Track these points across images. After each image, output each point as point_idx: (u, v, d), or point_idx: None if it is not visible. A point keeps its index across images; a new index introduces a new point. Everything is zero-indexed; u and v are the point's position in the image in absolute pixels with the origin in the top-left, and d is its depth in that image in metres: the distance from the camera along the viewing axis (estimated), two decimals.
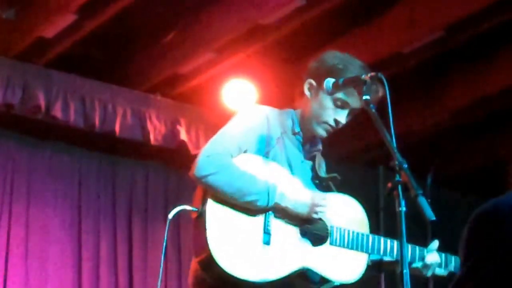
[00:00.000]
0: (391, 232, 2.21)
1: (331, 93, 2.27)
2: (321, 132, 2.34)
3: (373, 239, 2.30)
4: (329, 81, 2.24)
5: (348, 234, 2.27)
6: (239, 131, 2.25)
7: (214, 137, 2.25)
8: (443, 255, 2.41)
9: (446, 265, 2.41)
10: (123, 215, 4.74)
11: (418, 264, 2.37)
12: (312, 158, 2.41)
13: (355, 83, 2.16)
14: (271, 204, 2.16)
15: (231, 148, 2.20)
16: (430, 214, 1.88)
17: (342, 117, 2.31)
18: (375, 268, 2.41)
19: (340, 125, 2.33)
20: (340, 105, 2.29)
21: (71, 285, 4.49)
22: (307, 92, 2.33)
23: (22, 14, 4.05)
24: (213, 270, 2.12)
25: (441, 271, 2.42)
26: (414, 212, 2.33)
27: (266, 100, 2.53)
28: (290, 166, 2.29)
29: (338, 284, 2.27)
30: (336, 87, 2.24)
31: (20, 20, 4.08)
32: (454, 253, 2.46)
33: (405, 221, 1.82)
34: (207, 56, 4.31)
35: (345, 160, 5.29)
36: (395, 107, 2.05)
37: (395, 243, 2.30)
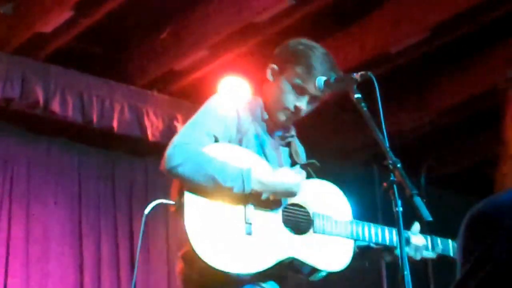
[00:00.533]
0: None
1: (322, 91, 2.24)
2: (282, 117, 2.29)
3: (357, 225, 2.26)
4: (321, 79, 2.23)
5: (331, 220, 2.22)
6: (207, 120, 2.19)
7: (182, 128, 2.21)
8: (428, 237, 2.37)
9: (433, 247, 2.37)
10: (123, 211, 4.72)
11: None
12: (288, 145, 2.37)
13: (346, 82, 2.13)
14: (247, 189, 2.08)
15: (200, 137, 2.13)
16: (426, 214, 1.87)
17: (302, 103, 2.27)
18: (361, 256, 2.36)
19: (301, 113, 2.28)
20: (299, 91, 2.26)
21: (73, 284, 4.45)
22: (269, 77, 2.30)
23: (19, 9, 4.05)
24: (196, 265, 2.05)
25: (429, 254, 2.37)
26: (411, 212, 2.30)
27: (254, 92, 2.57)
28: (264, 154, 2.24)
29: (326, 273, 2.22)
30: (327, 85, 2.23)
31: (17, 15, 4.07)
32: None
33: (403, 221, 1.80)
34: (202, 53, 4.34)
35: (340, 158, 5.29)
36: (386, 107, 2.03)
37: (379, 228, 2.27)
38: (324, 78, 2.22)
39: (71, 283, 4.44)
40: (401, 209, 1.84)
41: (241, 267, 2.06)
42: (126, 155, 4.83)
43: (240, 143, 2.21)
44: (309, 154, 2.44)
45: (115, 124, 4.38)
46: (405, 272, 1.72)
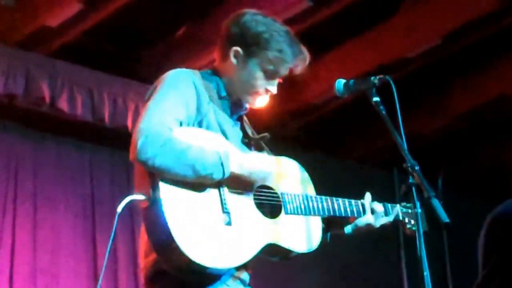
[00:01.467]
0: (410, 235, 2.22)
1: (342, 94, 2.25)
2: (251, 100, 2.24)
3: (325, 201, 2.25)
4: (340, 82, 2.23)
5: (300, 199, 2.20)
6: (173, 102, 2.06)
7: (148, 112, 2.04)
8: (382, 203, 2.41)
9: (387, 213, 2.40)
10: (139, 213, 4.57)
11: (365, 218, 2.34)
12: (240, 120, 2.30)
13: (365, 85, 2.16)
14: (227, 174, 2.03)
15: (169, 121, 2.00)
16: (444, 216, 1.88)
17: (273, 87, 2.23)
18: (324, 230, 2.34)
19: (342, 84, 2.23)
20: (271, 76, 2.21)
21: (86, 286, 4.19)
22: (233, 60, 2.21)
23: (22, 1, 3.88)
24: (178, 261, 1.96)
25: (386, 219, 2.40)
26: (429, 215, 2.32)
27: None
28: (223, 132, 2.16)
29: (298, 254, 2.19)
30: (346, 87, 2.23)
31: (21, 7, 3.91)
32: (466, 257, 2.45)
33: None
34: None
35: (361, 161, 5.30)
36: (404, 111, 2.05)
37: (342, 201, 2.29)
38: (343, 81, 2.23)
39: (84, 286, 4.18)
40: (420, 210, 1.86)
41: (225, 262, 2.01)
42: None
43: (200, 125, 2.12)
44: (328, 156, 2.44)
45: (129, 123, 4.16)
46: (425, 273, 1.74)
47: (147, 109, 2.06)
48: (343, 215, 2.30)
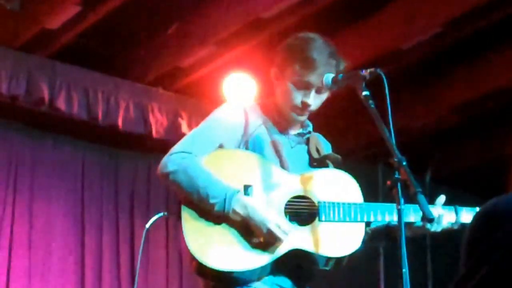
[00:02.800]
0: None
1: (330, 88, 2.25)
2: (295, 116, 2.29)
3: (366, 208, 2.22)
4: (328, 77, 2.22)
5: (338, 207, 2.20)
6: (211, 128, 2.23)
7: (185, 136, 2.25)
8: (452, 207, 2.34)
9: (457, 219, 2.33)
10: (126, 208, 4.72)
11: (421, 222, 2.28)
12: (307, 141, 2.36)
13: (354, 78, 2.13)
14: (227, 211, 2.10)
15: (200, 147, 2.17)
16: (429, 213, 1.87)
17: (309, 98, 2.25)
18: (376, 236, 2.35)
19: (312, 107, 2.26)
20: (302, 86, 2.24)
21: (75, 279, 4.47)
22: (274, 80, 2.32)
23: (26, 5, 4.05)
24: (207, 273, 2.10)
25: (450, 224, 2.33)
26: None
27: (266, 93, 2.51)
28: (278, 155, 2.24)
29: (336, 259, 2.21)
30: (335, 82, 2.22)
31: (24, 11, 4.06)
32: (451, 257, 2.44)
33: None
34: (208, 49, 4.31)
35: (344, 156, 5.26)
36: (395, 104, 2.03)
37: (392, 207, 2.21)
38: (332, 75, 2.20)
39: (73, 278, 4.46)
40: (403, 207, 1.85)
41: (247, 264, 2.08)
42: (129, 152, 4.82)
43: (246, 146, 2.22)
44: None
45: (120, 121, 4.37)
46: (404, 270, 1.73)
47: (187, 134, 2.27)
48: (382, 222, 2.26)
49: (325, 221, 2.18)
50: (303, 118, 2.32)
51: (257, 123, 2.25)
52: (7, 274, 4.19)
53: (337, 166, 2.35)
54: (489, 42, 4.55)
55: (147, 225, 2.18)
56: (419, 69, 4.72)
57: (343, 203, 2.20)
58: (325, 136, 2.49)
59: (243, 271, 2.09)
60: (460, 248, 1.32)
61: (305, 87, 2.25)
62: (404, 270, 1.72)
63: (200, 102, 4.71)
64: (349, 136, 5.18)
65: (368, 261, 4.74)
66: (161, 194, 4.81)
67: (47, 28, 4.05)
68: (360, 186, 2.28)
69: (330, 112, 5.13)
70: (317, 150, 2.36)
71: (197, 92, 4.67)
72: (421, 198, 1.87)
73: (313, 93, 2.25)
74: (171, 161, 2.14)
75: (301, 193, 2.21)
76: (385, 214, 2.23)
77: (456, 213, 2.33)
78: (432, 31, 4.26)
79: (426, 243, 4.44)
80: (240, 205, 2.10)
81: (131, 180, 4.79)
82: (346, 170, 2.32)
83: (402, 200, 1.86)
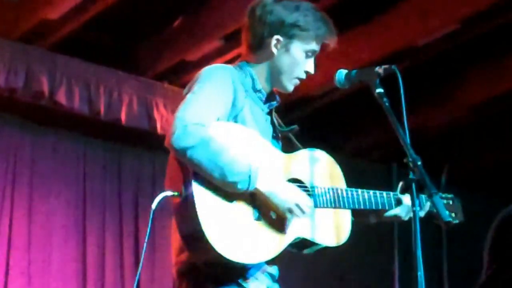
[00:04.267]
0: (405, 231, 2.13)
1: (343, 85, 2.20)
2: (290, 87, 2.26)
3: (355, 193, 2.22)
4: (342, 73, 2.18)
5: (331, 192, 2.18)
6: (210, 97, 2.09)
7: (187, 103, 2.07)
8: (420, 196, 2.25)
9: (421, 206, 2.29)
10: (129, 205, 4.66)
11: (396, 210, 2.31)
12: (270, 113, 2.31)
13: (368, 75, 2.08)
14: (251, 189, 2.03)
15: (207, 117, 2.05)
16: (444, 215, 1.82)
17: (311, 66, 2.24)
18: (366, 214, 2.33)
19: (343, 75, 2.19)
20: (310, 54, 2.24)
21: (76, 277, 4.40)
22: (273, 49, 2.21)
23: None
24: (208, 254, 2.01)
25: (420, 213, 2.23)
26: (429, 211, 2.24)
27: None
28: (258, 127, 2.19)
29: (325, 247, 2.19)
30: (348, 79, 2.18)
31: (23, 1, 3.96)
32: (471, 254, 2.39)
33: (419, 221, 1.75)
34: (215, 43, 4.26)
35: (358, 156, 5.21)
36: (409, 102, 1.98)
37: (372, 192, 2.25)
38: (344, 71, 2.17)
39: (74, 277, 4.39)
40: (418, 208, 1.80)
41: (253, 257, 2.03)
42: (133, 148, 4.74)
43: (235, 119, 2.14)
44: (325, 150, 2.38)
45: (123, 116, 4.29)
46: (419, 273, 1.68)
47: (186, 100, 2.08)
48: (374, 208, 2.26)
49: (320, 207, 2.16)
50: (291, 90, 2.28)
51: (242, 95, 2.17)
52: (6, 271, 4.13)
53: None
54: (505, 41, 4.47)
55: (153, 206, 2.09)
56: (434, 67, 4.66)
57: (336, 189, 2.19)
58: (338, 135, 2.43)
59: (250, 264, 2.04)
60: (484, 250, 1.28)
61: (312, 54, 2.24)
62: (419, 273, 1.67)
63: None
64: (362, 136, 5.12)
65: (382, 258, 4.67)
66: (166, 199, 4.76)
67: (47, 19, 3.95)
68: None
69: (343, 112, 5.10)
70: (279, 124, 2.32)
71: None
72: (437, 199, 1.83)
73: (312, 62, 2.25)
74: (190, 134, 1.98)
75: (293, 176, 2.17)
76: (379, 202, 2.25)
77: (420, 200, 2.24)
78: (447, 29, 4.20)
79: (442, 240, 4.39)
80: (263, 183, 2.04)
81: (135, 176, 4.71)
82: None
83: (417, 202, 1.81)
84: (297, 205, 2.07)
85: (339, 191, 2.19)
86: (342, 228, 2.21)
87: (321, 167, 2.22)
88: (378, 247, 4.64)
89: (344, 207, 2.20)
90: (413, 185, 1.83)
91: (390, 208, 2.30)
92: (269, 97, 2.27)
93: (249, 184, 2.02)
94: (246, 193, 2.05)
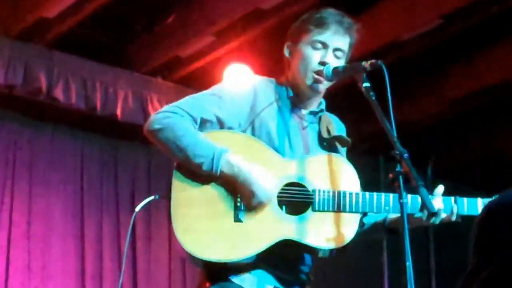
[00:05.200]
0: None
1: (331, 79, 2.23)
2: (310, 82, 2.22)
3: (361, 196, 2.14)
4: (329, 67, 2.20)
5: (331, 196, 2.13)
6: (210, 99, 2.16)
7: (182, 98, 2.19)
8: (450, 198, 2.23)
9: (453, 210, 2.21)
10: (126, 199, 4.72)
11: (421, 214, 2.18)
12: (318, 121, 2.31)
13: (355, 70, 2.11)
14: (215, 169, 2.05)
15: (192, 110, 2.12)
16: (431, 206, 1.86)
17: (328, 56, 2.21)
18: (378, 228, 2.30)
19: (331, 69, 2.18)
20: (319, 46, 2.23)
21: (74, 271, 4.46)
22: (287, 55, 2.29)
23: None
24: (188, 255, 2.07)
25: (451, 217, 2.22)
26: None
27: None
28: (287, 134, 2.20)
29: (328, 250, 2.15)
30: (335, 73, 2.20)
31: (21, 0, 4.03)
32: (454, 249, 2.41)
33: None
34: (207, 39, 4.30)
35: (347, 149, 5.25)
36: (396, 96, 2.01)
37: (391, 196, 2.14)
38: (332, 66, 2.19)
39: (72, 270, 4.46)
40: (406, 200, 1.83)
41: (231, 254, 2.05)
42: (129, 143, 4.80)
43: (252, 125, 2.17)
44: None
45: (118, 111, 4.36)
46: (408, 263, 1.71)
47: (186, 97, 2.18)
48: (382, 212, 2.17)
49: (319, 211, 2.13)
50: (320, 88, 2.24)
51: (268, 101, 2.20)
52: (6, 266, 4.18)
53: (347, 148, 2.32)
54: (490, 35, 4.53)
55: (137, 209, 2.14)
56: (420, 61, 4.70)
57: (339, 192, 2.13)
58: None
59: (229, 261, 2.05)
60: (469, 243, 1.30)
61: (322, 46, 2.23)
62: (408, 263, 1.70)
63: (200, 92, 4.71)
64: (350, 129, 5.14)
65: (370, 251, 4.71)
66: (161, 185, 4.81)
67: (44, 17, 4.01)
68: (361, 179, 2.23)
69: (331, 105, 5.13)
70: (328, 131, 2.30)
71: (196, 82, 4.65)
72: (423, 191, 1.85)
73: (330, 53, 2.22)
74: (158, 119, 2.11)
75: (295, 180, 2.15)
76: (383, 206, 2.15)
77: (456, 204, 2.23)
78: (432, 23, 4.24)
79: (429, 235, 4.43)
80: (228, 164, 2.06)
81: (131, 171, 4.79)
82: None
83: (404, 193, 1.84)
84: (263, 188, 2.05)
85: (341, 195, 2.13)
86: (344, 230, 2.14)
87: (330, 170, 2.18)
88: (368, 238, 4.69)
89: (346, 211, 2.14)
90: (400, 178, 1.86)
91: (415, 211, 2.16)
92: (308, 104, 2.27)
93: (212, 166, 2.04)
94: (225, 182, 2.06)
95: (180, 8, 4.28)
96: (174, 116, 2.10)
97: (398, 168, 1.87)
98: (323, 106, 2.34)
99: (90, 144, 4.68)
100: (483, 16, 4.17)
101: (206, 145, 2.07)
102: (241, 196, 2.09)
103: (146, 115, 4.47)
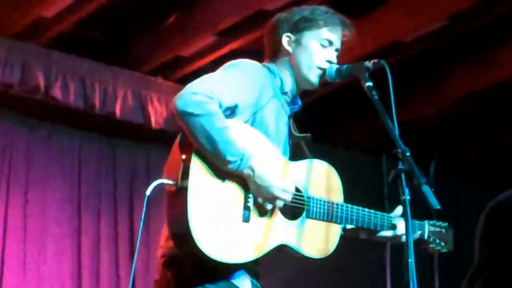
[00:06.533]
0: None
1: (333, 79, 2.25)
2: (314, 78, 2.24)
3: (351, 210, 2.22)
4: (332, 67, 2.23)
5: (325, 205, 2.18)
6: (230, 81, 2.10)
7: (206, 76, 2.09)
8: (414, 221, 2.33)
9: (415, 230, 2.35)
10: (124, 198, 4.69)
11: (388, 232, 2.32)
12: (289, 117, 2.32)
13: (358, 70, 2.14)
14: (240, 169, 2.05)
15: (222, 95, 2.03)
16: (434, 203, 1.89)
17: (331, 54, 2.25)
18: (359, 231, 2.35)
19: (334, 69, 2.23)
20: (327, 44, 2.25)
21: (70, 270, 4.44)
22: (287, 47, 2.25)
23: None
24: (189, 248, 2.03)
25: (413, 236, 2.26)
26: (418, 201, 2.30)
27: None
28: (277, 129, 2.21)
29: (314, 258, 2.20)
30: (339, 72, 2.23)
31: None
32: (460, 245, 2.44)
33: (410, 210, 1.81)
34: (209, 39, 4.28)
35: (349, 147, 5.28)
36: (398, 96, 2.04)
37: (366, 211, 2.26)
38: (335, 66, 2.22)
39: (69, 269, 4.43)
40: (408, 197, 1.86)
41: (233, 257, 2.05)
42: (128, 142, 4.78)
43: (254, 115, 2.15)
44: (315, 142, 2.41)
45: (117, 110, 4.34)
46: (410, 260, 1.74)
47: (208, 75, 2.09)
48: (365, 227, 2.27)
49: (312, 218, 2.17)
50: (318, 82, 2.26)
51: (269, 95, 2.18)
52: (1, 262, 4.16)
53: (309, 149, 2.32)
54: (492, 36, 4.55)
55: (147, 192, 2.10)
56: (423, 61, 4.73)
57: (333, 203, 2.19)
58: (330, 128, 2.47)
59: (229, 262, 2.06)
60: (475, 239, 1.32)
61: (329, 44, 2.25)
62: (410, 260, 1.73)
63: None
64: (353, 128, 5.19)
65: (373, 248, 4.72)
66: (161, 186, 4.81)
67: (42, 16, 3.99)
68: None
69: (334, 104, 5.15)
70: (294, 129, 2.32)
71: None
72: (426, 188, 1.88)
73: (334, 52, 2.25)
74: (196, 102, 1.98)
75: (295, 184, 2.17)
76: (372, 222, 2.25)
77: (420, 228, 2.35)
78: (436, 24, 4.26)
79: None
80: (251, 169, 2.05)
81: (129, 170, 4.75)
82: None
83: (407, 191, 1.86)
84: (283, 190, 2.08)
85: (335, 206, 2.19)
86: (329, 240, 2.22)
87: (320, 178, 2.23)
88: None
89: (336, 222, 2.21)
90: (402, 175, 1.89)
91: (382, 229, 2.30)
92: (293, 101, 2.28)
93: (239, 166, 2.03)
94: (238, 179, 2.06)
95: (182, 6, 4.25)
96: (212, 103, 1.99)
97: (400, 166, 1.90)
98: (300, 103, 2.34)
99: (88, 143, 4.65)
100: (485, 17, 4.19)
101: (239, 145, 2.04)
102: (255, 194, 2.09)
103: (146, 114, 4.45)
